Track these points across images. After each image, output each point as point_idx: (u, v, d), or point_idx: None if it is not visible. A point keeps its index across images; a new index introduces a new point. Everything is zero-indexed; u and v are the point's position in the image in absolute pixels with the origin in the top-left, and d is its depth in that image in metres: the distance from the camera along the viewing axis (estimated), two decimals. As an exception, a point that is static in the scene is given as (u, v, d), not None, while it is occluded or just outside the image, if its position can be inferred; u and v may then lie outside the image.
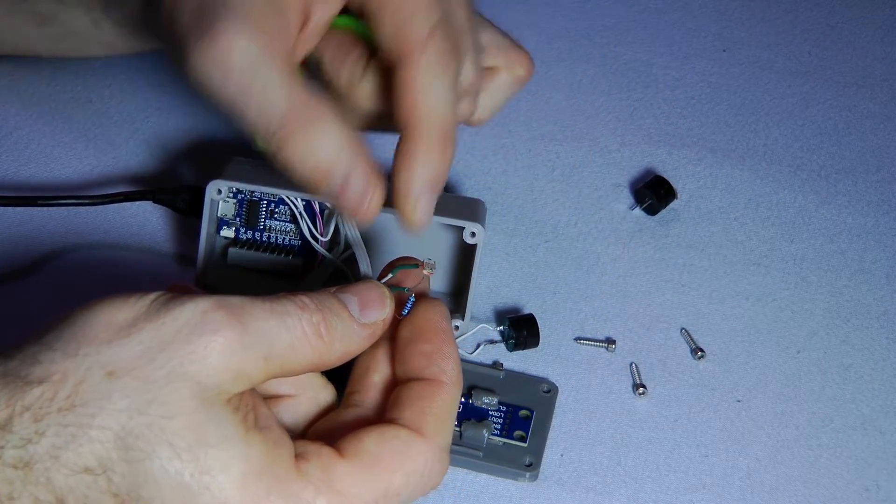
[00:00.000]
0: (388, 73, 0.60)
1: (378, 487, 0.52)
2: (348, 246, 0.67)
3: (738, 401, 0.69)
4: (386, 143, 0.62)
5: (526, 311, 0.71)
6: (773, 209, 0.80)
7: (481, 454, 0.64)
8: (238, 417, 0.50)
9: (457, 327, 0.69)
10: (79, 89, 0.82)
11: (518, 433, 0.65)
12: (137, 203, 0.75)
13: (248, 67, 0.57)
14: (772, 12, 0.95)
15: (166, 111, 0.81)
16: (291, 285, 0.69)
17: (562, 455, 0.66)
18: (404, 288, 0.57)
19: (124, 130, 0.80)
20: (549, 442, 0.66)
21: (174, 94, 0.82)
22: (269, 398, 0.55)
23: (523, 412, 0.66)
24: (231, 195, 0.69)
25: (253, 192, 0.69)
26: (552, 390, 0.68)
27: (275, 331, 0.51)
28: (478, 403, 0.66)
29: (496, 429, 0.65)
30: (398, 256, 0.59)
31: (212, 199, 0.68)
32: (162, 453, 0.49)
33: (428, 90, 0.58)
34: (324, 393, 0.56)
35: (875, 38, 0.93)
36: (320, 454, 0.52)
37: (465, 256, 0.69)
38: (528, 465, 0.64)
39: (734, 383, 0.70)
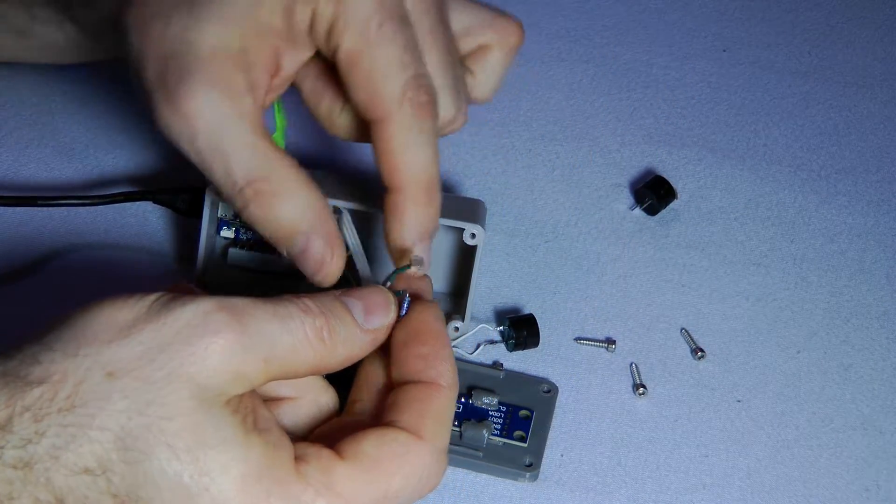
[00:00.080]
0: None
1: (378, 490, 0.52)
2: (347, 248, 0.67)
3: (739, 401, 0.69)
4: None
5: (526, 311, 0.71)
6: (773, 209, 0.80)
7: (481, 454, 0.64)
8: (237, 419, 0.50)
9: (457, 328, 0.69)
10: (79, 89, 0.82)
11: (518, 433, 0.65)
12: (137, 203, 0.75)
13: (214, 131, 0.57)
14: (772, 12, 0.95)
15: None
16: (291, 286, 0.69)
17: (562, 455, 0.66)
18: (399, 291, 0.57)
19: (125, 131, 0.80)
20: (549, 442, 0.66)
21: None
22: (270, 400, 0.55)
23: (523, 412, 0.66)
24: None
25: None
26: (552, 390, 0.68)
27: (276, 333, 0.51)
28: (478, 403, 0.66)
29: (496, 429, 0.65)
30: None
31: (212, 201, 0.68)
32: (161, 454, 0.49)
33: (407, 149, 0.59)
34: (325, 397, 0.56)
35: (875, 38, 0.93)
36: (320, 456, 0.52)
37: (465, 257, 0.69)
38: (528, 465, 0.64)
39: (734, 383, 0.70)
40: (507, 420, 0.66)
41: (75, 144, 0.79)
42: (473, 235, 0.66)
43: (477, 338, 0.70)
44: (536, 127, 0.84)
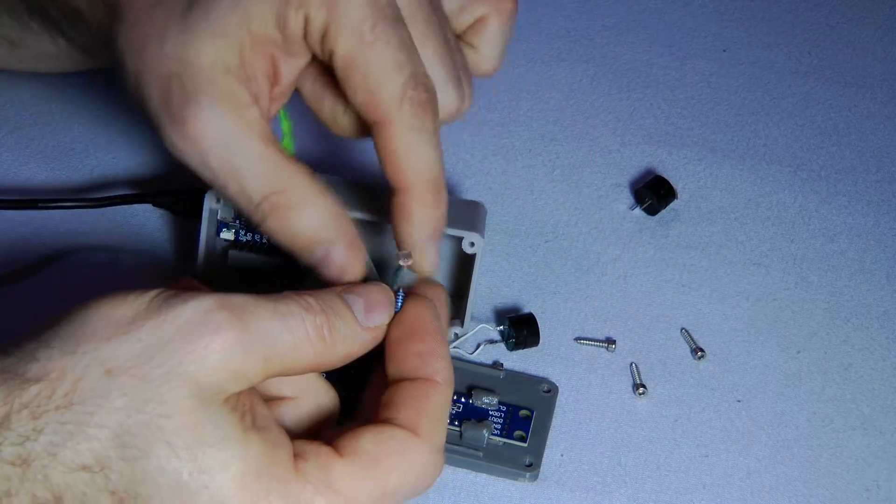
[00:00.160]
0: None
1: (376, 487, 0.52)
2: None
3: (739, 401, 0.69)
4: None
5: (526, 311, 0.71)
6: (774, 209, 0.80)
7: (481, 454, 0.64)
8: (236, 417, 0.50)
9: (456, 335, 0.69)
10: (78, 91, 0.82)
11: (518, 433, 0.65)
12: (137, 206, 0.74)
13: (225, 149, 0.57)
14: (772, 12, 0.95)
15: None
16: (292, 286, 0.69)
17: (562, 455, 0.66)
18: (396, 288, 0.57)
19: (124, 133, 0.80)
20: (549, 442, 0.66)
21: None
22: (271, 399, 0.55)
23: (523, 412, 0.66)
24: None
25: None
26: (552, 390, 0.68)
27: (277, 332, 0.51)
28: (478, 403, 0.66)
29: (496, 429, 0.65)
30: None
31: (210, 208, 0.68)
32: (160, 452, 0.49)
33: (410, 149, 0.58)
34: (325, 396, 0.56)
35: (875, 38, 0.93)
36: (319, 454, 0.52)
37: (464, 262, 0.69)
38: (529, 465, 0.64)
39: (734, 383, 0.70)
40: (507, 420, 0.66)
41: (75, 146, 0.79)
42: (472, 244, 0.66)
43: (477, 337, 0.70)
44: (536, 127, 0.84)
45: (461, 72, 0.63)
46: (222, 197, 0.59)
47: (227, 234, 0.69)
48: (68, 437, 0.48)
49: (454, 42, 0.63)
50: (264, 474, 0.50)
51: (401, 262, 0.58)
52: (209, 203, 0.67)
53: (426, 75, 0.58)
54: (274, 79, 0.59)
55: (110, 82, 0.83)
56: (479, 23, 0.67)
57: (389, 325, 0.56)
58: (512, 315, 0.70)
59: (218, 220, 0.69)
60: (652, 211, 0.78)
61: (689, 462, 0.66)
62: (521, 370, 0.69)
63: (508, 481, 0.64)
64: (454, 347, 0.69)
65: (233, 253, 0.69)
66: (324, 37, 0.58)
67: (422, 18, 0.60)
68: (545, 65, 0.88)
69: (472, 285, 0.67)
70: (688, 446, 0.67)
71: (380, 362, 0.57)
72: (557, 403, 0.68)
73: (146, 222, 0.75)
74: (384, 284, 0.56)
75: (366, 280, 0.59)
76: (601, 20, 0.92)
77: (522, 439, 0.65)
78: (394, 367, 0.55)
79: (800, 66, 0.90)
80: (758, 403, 0.69)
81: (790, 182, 0.82)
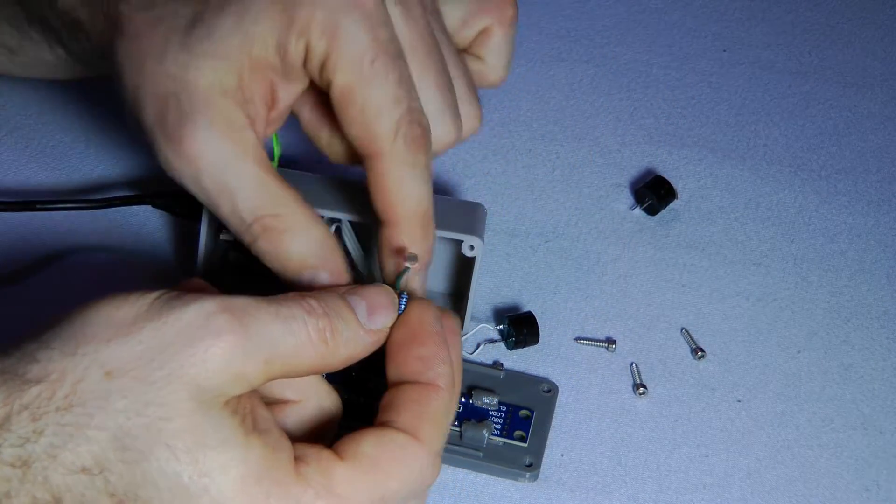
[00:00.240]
0: None
1: (376, 490, 0.52)
2: (349, 254, 0.67)
3: (739, 401, 0.69)
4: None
5: (525, 310, 0.71)
6: (774, 209, 0.80)
7: (481, 454, 0.64)
8: (237, 420, 0.50)
9: None
10: (79, 91, 0.82)
11: (518, 433, 0.65)
12: (136, 207, 0.74)
13: (219, 169, 0.58)
14: (772, 12, 0.95)
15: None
16: (292, 288, 0.69)
17: (562, 455, 0.66)
18: (400, 291, 0.57)
19: (123, 134, 0.80)
20: (549, 442, 0.66)
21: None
22: (274, 403, 0.55)
23: (523, 412, 0.66)
24: None
25: None
26: (552, 390, 0.68)
27: (279, 335, 0.51)
28: (478, 403, 0.66)
29: (496, 429, 0.65)
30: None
31: (209, 215, 0.67)
32: (160, 454, 0.49)
33: (402, 184, 0.59)
34: (328, 400, 0.56)
35: (875, 38, 0.93)
36: (319, 458, 0.52)
37: (464, 261, 0.69)
38: (529, 465, 0.64)
39: (734, 383, 0.70)
40: (507, 420, 0.66)
41: (76, 144, 0.79)
42: (472, 247, 0.66)
43: (477, 337, 0.70)
44: (536, 127, 0.84)
45: (467, 91, 0.63)
46: (214, 215, 0.59)
47: (226, 235, 0.69)
48: (68, 438, 0.48)
49: (459, 62, 0.64)
50: (265, 477, 0.50)
51: (407, 264, 0.58)
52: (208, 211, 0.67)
53: (421, 111, 0.59)
54: (271, 103, 0.60)
55: (109, 86, 0.83)
56: (482, 34, 0.67)
57: (392, 327, 0.56)
58: (511, 314, 0.70)
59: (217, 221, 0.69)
60: (652, 211, 0.78)
61: (690, 462, 0.66)
62: (521, 370, 0.69)
63: (508, 481, 0.64)
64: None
65: (233, 254, 0.69)
66: (323, 66, 0.58)
67: (423, 50, 0.61)
68: (545, 65, 0.88)
69: (472, 288, 0.67)
70: (688, 446, 0.67)
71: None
72: (557, 403, 0.68)
73: (145, 223, 0.74)
74: (387, 286, 0.56)
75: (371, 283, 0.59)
76: (601, 20, 0.92)
77: (522, 439, 0.65)
78: (395, 370, 0.55)
79: (800, 66, 0.90)
80: (758, 403, 0.69)
81: (790, 182, 0.82)
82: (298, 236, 0.58)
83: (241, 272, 0.70)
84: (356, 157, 0.61)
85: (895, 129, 0.86)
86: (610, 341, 0.71)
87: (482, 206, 0.69)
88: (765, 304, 0.74)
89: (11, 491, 0.48)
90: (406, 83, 0.58)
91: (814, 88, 0.89)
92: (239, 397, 0.51)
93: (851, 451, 0.67)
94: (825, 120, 0.86)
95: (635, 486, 0.65)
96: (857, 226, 0.79)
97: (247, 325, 0.51)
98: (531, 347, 0.70)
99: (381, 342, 0.55)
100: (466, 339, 0.70)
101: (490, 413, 0.66)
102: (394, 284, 0.58)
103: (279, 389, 0.55)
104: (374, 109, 0.58)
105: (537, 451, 0.65)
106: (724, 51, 0.91)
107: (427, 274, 0.61)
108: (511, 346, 0.70)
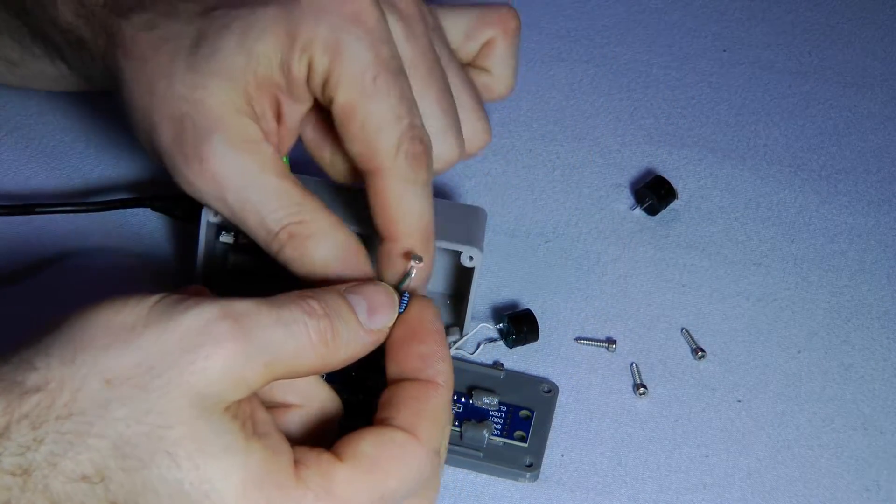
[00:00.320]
0: None
1: (375, 490, 0.52)
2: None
3: (739, 401, 0.69)
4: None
5: (523, 308, 0.71)
6: (774, 209, 0.80)
7: (481, 454, 0.64)
8: (237, 425, 0.50)
9: (455, 342, 0.69)
10: (78, 95, 0.82)
11: (518, 433, 0.65)
12: (135, 210, 0.74)
13: (242, 186, 0.58)
14: (772, 12, 0.95)
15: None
16: (293, 288, 0.69)
17: (562, 455, 0.66)
18: (403, 290, 0.57)
19: (125, 134, 0.79)
20: (549, 442, 0.66)
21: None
22: (276, 407, 0.55)
23: (524, 412, 0.66)
24: None
25: None
26: (552, 390, 0.68)
27: (280, 339, 0.51)
28: (478, 403, 0.66)
29: (496, 429, 0.65)
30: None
31: (209, 221, 0.67)
32: (161, 462, 0.49)
33: (403, 200, 0.59)
34: (330, 403, 0.56)
35: (875, 38, 0.93)
36: (319, 460, 0.51)
37: (464, 268, 0.68)
38: (529, 465, 0.64)
39: (735, 383, 0.70)
40: (507, 420, 0.66)
41: (76, 144, 0.79)
42: (471, 258, 0.66)
43: (477, 337, 0.70)
44: (536, 127, 0.84)
45: (474, 106, 0.64)
46: (239, 228, 0.59)
47: (226, 238, 0.69)
48: (68, 447, 0.48)
49: (463, 77, 0.64)
50: (265, 482, 0.50)
51: (412, 264, 0.58)
52: (206, 217, 0.67)
53: (422, 128, 0.59)
54: (279, 119, 0.60)
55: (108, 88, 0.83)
56: (486, 47, 0.68)
57: (392, 325, 0.56)
58: (510, 312, 0.70)
59: (217, 223, 0.69)
60: (652, 211, 0.78)
61: (690, 462, 0.66)
62: (521, 370, 0.69)
63: (509, 481, 0.64)
64: (455, 349, 0.69)
65: (233, 256, 0.69)
66: (325, 83, 0.58)
67: (424, 67, 0.61)
68: (545, 65, 0.88)
69: (471, 296, 0.67)
70: (688, 446, 0.67)
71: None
72: (558, 403, 0.68)
73: (145, 226, 0.74)
74: (388, 285, 0.56)
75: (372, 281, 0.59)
76: (601, 20, 0.92)
77: (523, 439, 0.65)
78: (394, 367, 0.55)
79: (800, 66, 0.90)
80: (758, 403, 0.69)
81: (790, 182, 0.82)
82: (323, 241, 0.59)
83: (241, 275, 0.70)
84: (358, 175, 0.61)
85: (895, 129, 0.86)
86: (610, 341, 0.71)
87: (483, 210, 0.69)
88: (765, 304, 0.74)
89: (12, 499, 0.48)
90: (407, 100, 0.59)
91: (814, 88, 0.89)
92: (239, 402, 0.51)
93: (852, 451, 0.67)
94: (825, 120, 0.86)
95: (635, 486, 0.65)
96: (857, 226, 0.79)
97: (248, 330, 0.51)
98: (531, 348, 0.70)
99: (381, 341, 0.55)
100: (466, 339, 0.70)
101: (490, 413, 0.66)
102: (396, 287, 0.58)
103: (281, 394, 0.55)
104: (375, 126, 0.58)
105: (537, 452, 0.65)
106: (724, 51, 0.91)
107: (427, 285, 0.61)
108: (511, 344, 0.70)
